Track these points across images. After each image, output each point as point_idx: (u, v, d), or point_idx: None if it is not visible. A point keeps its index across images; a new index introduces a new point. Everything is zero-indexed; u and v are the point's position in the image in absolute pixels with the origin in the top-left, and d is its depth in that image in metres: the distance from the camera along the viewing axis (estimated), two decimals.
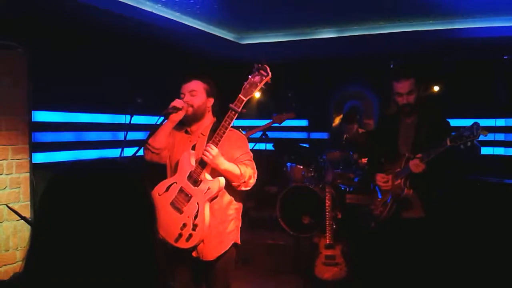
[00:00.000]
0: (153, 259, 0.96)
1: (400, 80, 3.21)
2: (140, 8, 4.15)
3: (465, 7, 4.27)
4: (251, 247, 5.05)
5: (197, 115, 2.72)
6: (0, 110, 3.65)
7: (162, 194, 2.64)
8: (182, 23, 4.73)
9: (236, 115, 2.51)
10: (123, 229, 0.92)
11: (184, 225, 2.55)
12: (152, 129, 2.75)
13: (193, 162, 2.60)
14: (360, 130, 5.85)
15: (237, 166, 2.59)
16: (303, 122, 6.95)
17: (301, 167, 5.69)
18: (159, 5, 4.28)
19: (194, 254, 2.64)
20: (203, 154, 2.50)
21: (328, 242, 4.28)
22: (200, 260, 2.66)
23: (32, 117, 3.95)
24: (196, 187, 2.56)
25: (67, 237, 0.88)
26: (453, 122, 5.75)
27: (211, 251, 2.65)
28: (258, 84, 2.51)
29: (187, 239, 2.55)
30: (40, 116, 4.10)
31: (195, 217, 2.54)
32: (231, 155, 2.63)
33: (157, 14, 4.36)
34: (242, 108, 2.54)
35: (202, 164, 2.54)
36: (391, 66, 5.95)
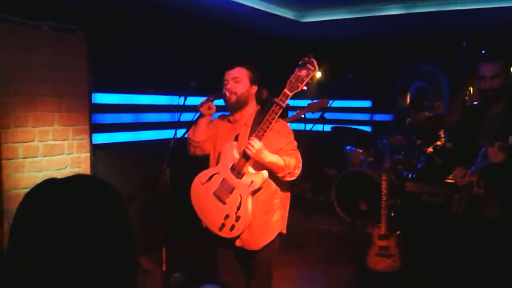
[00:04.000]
0: (130, 278, 0.94)
1: (487, 62, 2.91)
2: None
3: None
4: (305, 232, 5.02)
5: (240, 103, 2.66)
6: (61, 92, 3.81)
7: (205, 184, 2.64)
8: (241, 3, 4.65)
9: (281, 109, 2.42)
10: (97, 248, 0.91)
11: (227, 216, 2.54)
12: (191, 123, 2.75)
13: (236, 154, 2.56)
14: (427, 114, 5.51)
15: (281, 157, 2.52)
16: (366, 103, 6.68)
17: (361, 151, 5.50)
18: None
19: (238, 243, 2.63)
20: (247, 148, 2.44)
21: (382, 232, 4.11)
22: (244, 249, 2.65)
23: (92, 99, 4.10)
24: (239, 180, 2.53)
25: (41, 255, 0.88)
26: None
27: (256, 241, 2.63)
28: (305, 78, 2.40)
29: (231, 229, 2.55)
30: (100, 98, 4.25)
31: (238, 208, 2.52)
32: (275, 145, 2.56)
33: None
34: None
35: (245, 157, 2.50)
36: (464, 44, 5.48)
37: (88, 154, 4.04)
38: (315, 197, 5.88)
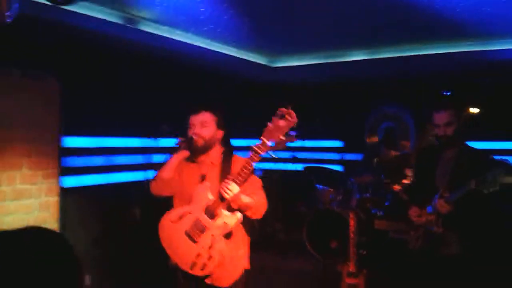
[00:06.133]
0: None
1: (439, 111, 3.08)
2: (171, 38, 4.28)
3: (502, 28, 4.08)
4: (278, 273, 5.02)
5: (207, 147, 2.75)
6: (31, 136, 3.85)
7: (176, 222, 2.68)
8: (213, 50, 4.82)
9: (260, 158, 2.47)
10: None
11: (199, 255, 2.59)
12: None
13: (210, 195, 2.61)
14: (394, 153, 5.69)
15: (251, 197, 2.60)
16: (338, 143, 6.85)
17: (331, 189, 5.61)
18: (189, 33, 4.38)
19: (208, 281, 2.66)
20: (224, 191, 2.51)
21: (351, 270, 4.16)
22: (213, 286, 2.67)
23: (62, 143, 4.13)
24: (212, 220, 2.59)
25: None
26: (497, 145, 5.61)
27: (226, 278, 2.66)
28: (285, 129, 2.43)
29: (202, 268, 2.58)
30: (71, 141, 4.28)
31: (210, 248, 2.57)
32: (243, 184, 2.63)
33: (188, 43, 4.47)
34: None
35: (221, 199, 2.56)
36: (447, 94, 5.75)
37: (57, 198, 4.04)
38: (287, 237, 5.91)
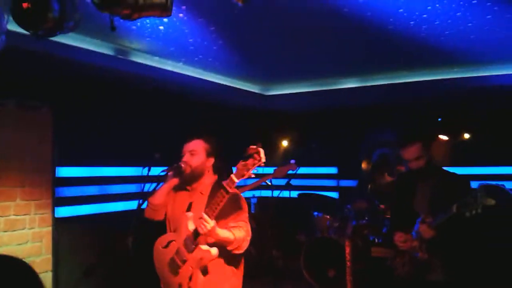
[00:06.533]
0: None
1: (405, 146, 3.11)
2: (162, 68, 4.35)
3: (489, 56, 4.16)
4: None
5: (195, 175, 2.76)
6: (25, 167, 3.88)
7: (164, 249, 2.72)
8: (205, 79, 4.89)
9: (229, 194, 2.46)
10: None
11: (180, 285, 2.59)
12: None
13: (190, 225, 2.59)
14: (389, 179, 5.70)
15: (231, 231, 2.58)
16: (333, 170, 6.87)
17: (327, 216, 5.59)
18: (180, 63, 4.46)
19: None
20: (199, 226, 2.50)
21: None
22: None
23: (56, 173, 4.16)
24: (190, 253, 2.58)
25: None
26: (484, 170, 5.64)
27: None
28: (250, 167, 2.42)
29: None
30: (64, 171, 4.31)
31: (190, 279, 2.55)
32: (225, 216, 2.63)
33: (180, 73, 4.53)
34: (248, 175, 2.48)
35: (196, 233, 2.54)
36: (439, 120, 5.82)
37: (50, 229, 4.03)
38: (285, 264, 5.86)
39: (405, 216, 3.21)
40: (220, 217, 2.57)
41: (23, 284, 1.02)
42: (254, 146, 2.40)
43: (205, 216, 2.46)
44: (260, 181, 5.30)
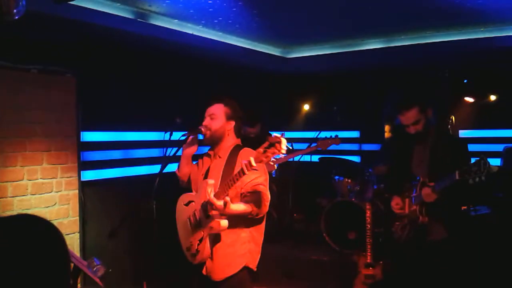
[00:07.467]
0: None
1: (402, 112, 3.11)
2: (182, 32, 4.30)
3: None
4: (296, 263, 5.05)
5: (215, 138, 2.77)
6: (50, 132, 3.95)
7: (184, 206, 2.81)
8: (225, 42, 4.83)
9: (244, 175, 2.44)
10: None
11: (191, 244, 2.69)
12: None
13: (209, 192, 2.55)
14: None
15: (248, 204, 2.57)
16: (354, 134, 6.80)
17: (348, 180, 5.58)
18: (200, 26, 4.40)
19: (204, 271, 2.71)
20: (211, 208, 2.50)
21: (368, 261, 4.15)
22: (209, 278, 2.70)
23: (80, 137, 4.23)
24: (203, 219, 2.62)
25: None
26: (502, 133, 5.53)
27: (218, 272, 2.67)
28: (269, 155, 2.36)
29: (191, 256, 2.70)
30: (89, 136, 4.38)
31: (200, 241, 2.63)
32: (244, 180, 2.60)
33: (199, 36, 4.49)
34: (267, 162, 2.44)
35: (210, 205, 2.53)
36: (465, 81, 5.67)
37: (76, 191, 4.14)
38: (306, 228, 5.92)
39: (400, 178, 3.27)
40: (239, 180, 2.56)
41: (48, 243, 1.04)
42: (278, 135, 2.36)
43: (214, 200, 2.46)
44: (306, 151, 5.29)
